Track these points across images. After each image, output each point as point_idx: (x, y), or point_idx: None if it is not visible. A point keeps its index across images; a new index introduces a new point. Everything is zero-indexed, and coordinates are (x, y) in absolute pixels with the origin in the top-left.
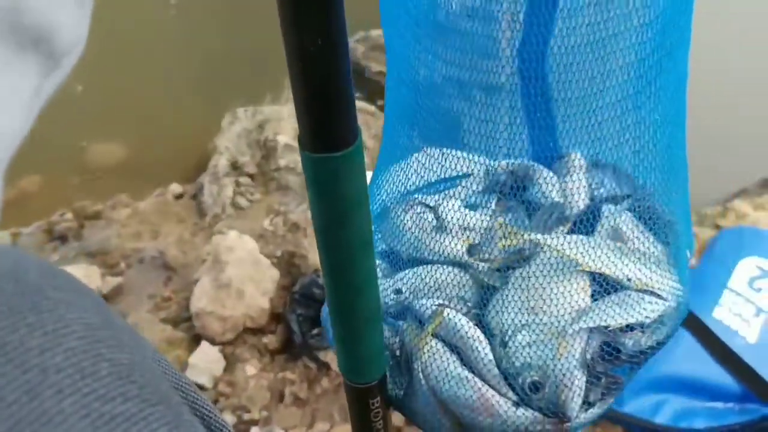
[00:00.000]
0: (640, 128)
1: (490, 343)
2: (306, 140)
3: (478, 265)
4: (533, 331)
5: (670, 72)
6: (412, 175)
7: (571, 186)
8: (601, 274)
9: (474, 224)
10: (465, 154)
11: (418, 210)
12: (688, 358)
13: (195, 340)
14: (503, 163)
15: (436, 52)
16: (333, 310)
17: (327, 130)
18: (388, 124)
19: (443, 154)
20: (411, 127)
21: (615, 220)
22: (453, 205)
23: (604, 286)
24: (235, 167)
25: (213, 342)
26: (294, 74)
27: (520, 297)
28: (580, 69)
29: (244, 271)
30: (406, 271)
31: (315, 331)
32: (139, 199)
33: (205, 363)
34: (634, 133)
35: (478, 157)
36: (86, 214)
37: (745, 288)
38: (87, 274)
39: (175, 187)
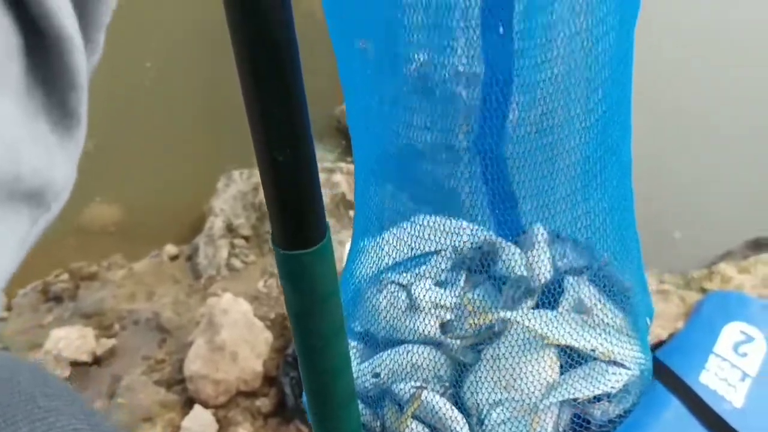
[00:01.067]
0: (590, 217)
1: (468, 422)
2: (278, 238)
3: (451, 342)
4: (507, 408)
5: (613, 165)
6: (383, 255)
7: (536, 259)
8: (568, 347)
9: (445, 302)
10: (432, 229)
11: (391, 290)
12: (676, 423)
13: (188, 403)
14: (469, 240)
15: (403, 121)
16: (309, 393)
17: (297, 229)
18: (359, 199)
19: (412, 232)
20: (380, 199)
21: (578, 291)
22: (424, 284)
23: (572, 357)
24: (230, 229)
25: (206, 405)
26: (265, 180)
27: (493, 376)
28: (533, 169)
29: (238, 333)
30: (383, 354)
31: None
32: (134, 260)
33: (198, 427)
34: (585, 222)
35: (448, 225)
36: (82, 275)
37: (731, 353)
38: (81, 335)
39: (171, 249)
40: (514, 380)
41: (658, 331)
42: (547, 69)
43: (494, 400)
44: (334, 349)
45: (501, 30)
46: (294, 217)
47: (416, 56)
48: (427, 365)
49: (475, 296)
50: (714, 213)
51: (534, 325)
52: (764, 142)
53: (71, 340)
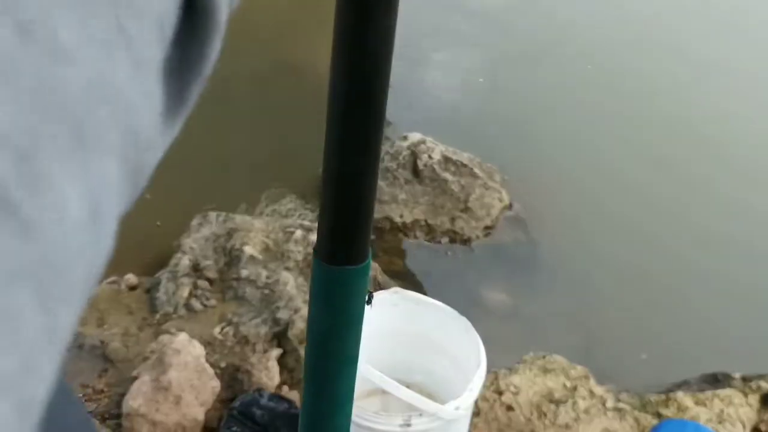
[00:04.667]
0: None
1: None
2: (324, 251)
3: None
4: None
5: None
6: None
7: None
8: None
9: None
10: None
11: None
12: None
13: None
14: None
15: None
16: (307, 424)
17: (347, 244)
18: None
19: None
20: None
21: None
22: None
23: None
24: (196, 269)
25: None
26: (328, 190)
27: None
28: None
29: (186, 376)
30: None
31: None
32: None
33: None
34: None
35: None
36: None
37: None
38: None
39: (131, 278)
40: None
41: None
42: None
43: None
44: (345, 376)
45: None
46: (347, 232)
47: None
48: None
49: None
50: (677, 343)
51: None
52: (732, 286)
53: None
